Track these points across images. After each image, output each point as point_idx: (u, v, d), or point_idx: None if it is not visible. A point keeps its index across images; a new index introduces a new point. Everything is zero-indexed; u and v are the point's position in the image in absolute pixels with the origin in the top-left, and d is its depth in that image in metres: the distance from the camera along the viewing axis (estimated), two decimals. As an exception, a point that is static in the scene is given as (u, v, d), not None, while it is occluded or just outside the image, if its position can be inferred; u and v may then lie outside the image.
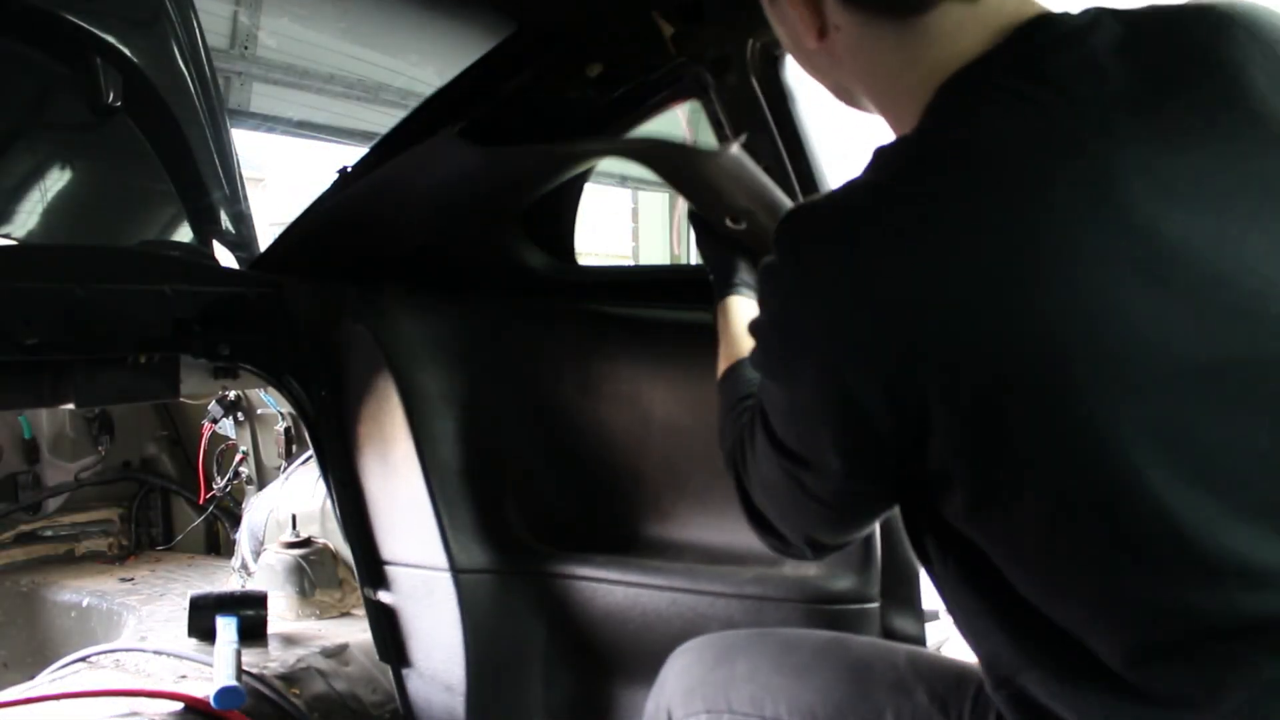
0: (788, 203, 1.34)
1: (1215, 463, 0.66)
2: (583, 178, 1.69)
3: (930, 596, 1.47)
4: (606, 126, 1.59)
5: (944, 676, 0.95)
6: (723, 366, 1.13)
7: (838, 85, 0.88)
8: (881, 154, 0.75)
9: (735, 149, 1.23)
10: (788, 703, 0.99)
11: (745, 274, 1.28)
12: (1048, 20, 0.74)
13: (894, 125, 0.85)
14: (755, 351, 0.82)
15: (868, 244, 0.69)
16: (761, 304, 0.79)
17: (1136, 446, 0.65)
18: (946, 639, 2.43)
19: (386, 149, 1.52)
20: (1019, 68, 0.72)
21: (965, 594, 0.78)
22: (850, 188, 0.73)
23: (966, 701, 0.91)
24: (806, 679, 1.01)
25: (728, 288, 1.25)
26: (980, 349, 0.66)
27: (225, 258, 1.79)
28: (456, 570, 1.46)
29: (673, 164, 1.32)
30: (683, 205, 6.85)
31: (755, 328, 0.81)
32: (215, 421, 2.49)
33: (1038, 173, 0.68)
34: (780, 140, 1.48)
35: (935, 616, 2.47)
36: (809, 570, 1.33)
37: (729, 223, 1.31)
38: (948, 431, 0.68)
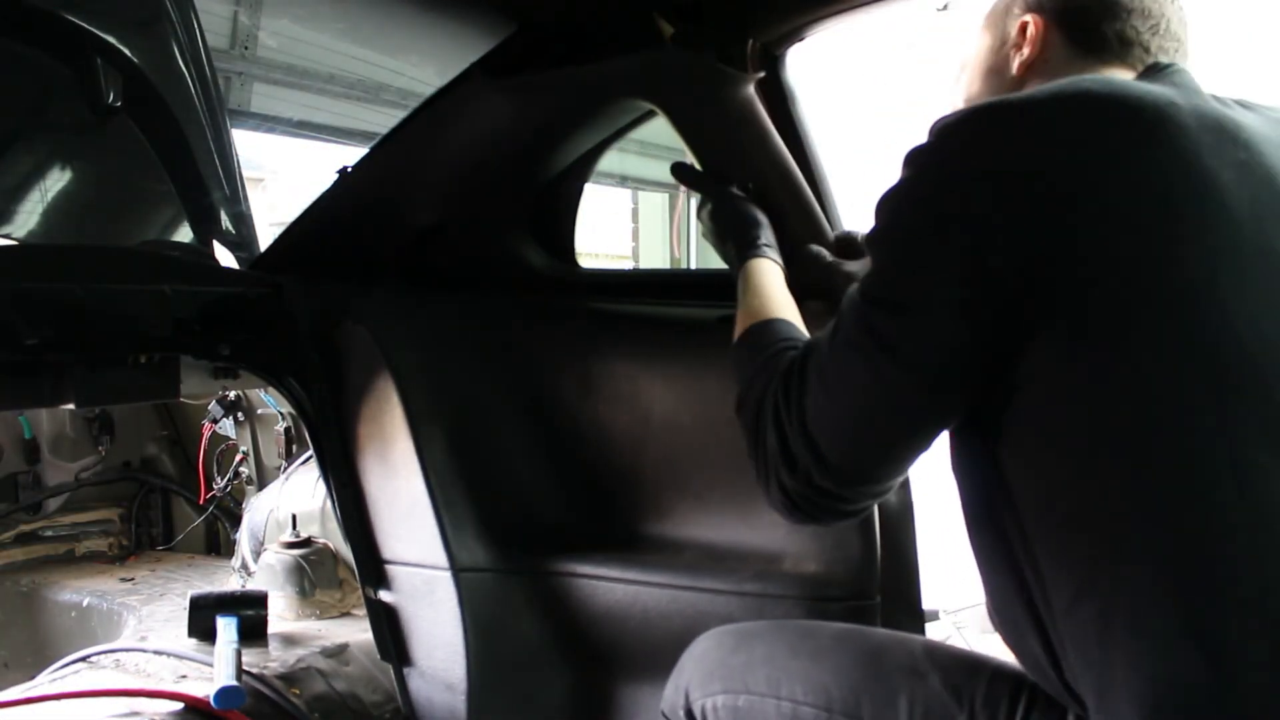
0: (797, 171, 1.35)
1: None
2: (583, 177, 1.70)
3: (930, 596, 1.47)
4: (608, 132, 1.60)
5: (958, 665, 0.97)
6: (744, 325, 1.10)
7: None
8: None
9: (749, 87, 1.24)
10: (803, 684, 1.01)
11: (769, 234, 1.26)
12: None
13: None
14: (883, 218, 0.86)
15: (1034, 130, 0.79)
16: (913, 163, 0.84)
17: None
18: (947, 638, 2.43)
19: (403, 127, 1.52)
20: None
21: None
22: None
23: (980, 689, 0.92)
24: (822, 662, 1.03)
25: (752, 249, 1.23)
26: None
27: (225, 258, 1.79)
28: (457, 569, 1.46)
29: (687, 89, 1.30)
30: (683, 206, 6.85)
31: (891, 194, 0.85)
32: (215, 421, 2.49)
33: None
34: (781, 140, 1.48)
35: (935, 616, 2.48)
36: (809, 567, 1.33)
37: (736, 189, 1.32)
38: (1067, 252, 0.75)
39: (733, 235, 1.26)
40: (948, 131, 0.83)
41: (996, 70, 1.07)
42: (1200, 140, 0.79)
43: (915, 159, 0.84)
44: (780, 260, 1.23)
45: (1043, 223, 0.76)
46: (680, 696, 1.10)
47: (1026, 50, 1.03)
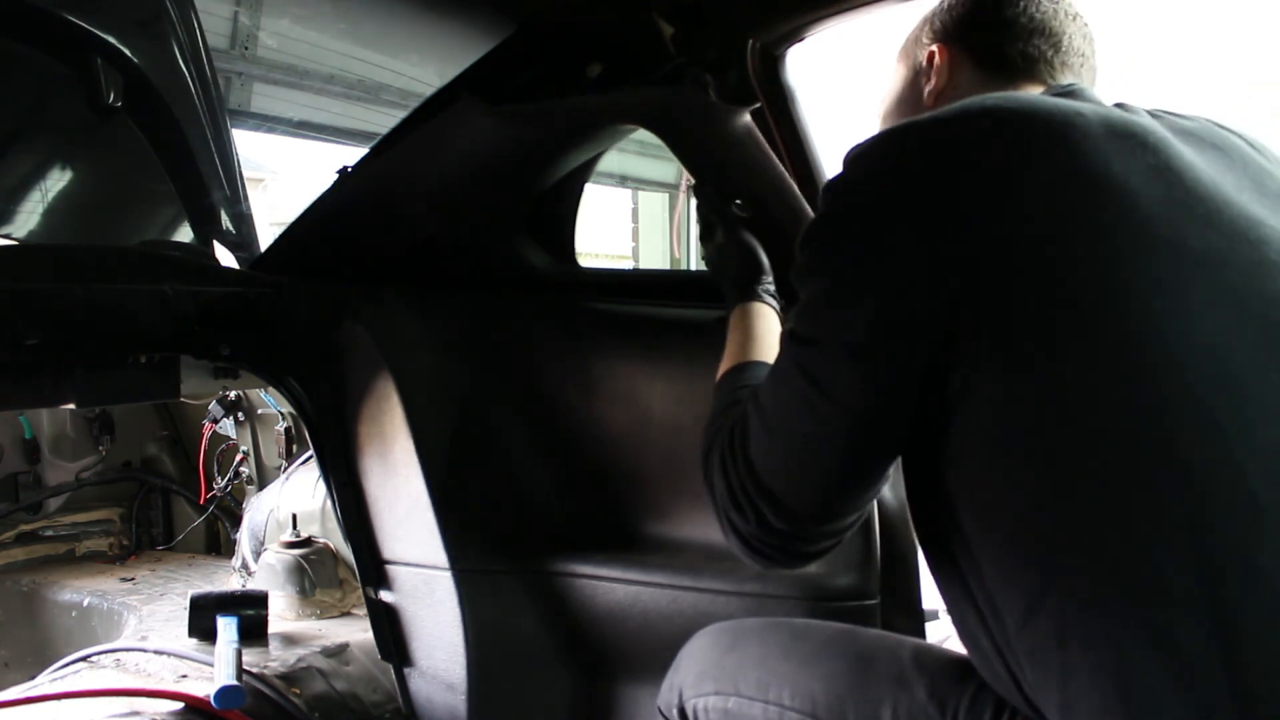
0: (796, 191, 1.35)
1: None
2: (583, 178, 1.70)
3: (930, 595, 1.47)
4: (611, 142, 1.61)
5: (946, 672, 0.96)
6: (723, 368, 1.11)
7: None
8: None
9: (747, 117, 1.25)
10: (791, 689, 1.00)
11: (769, 281, 1.23)
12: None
13: None
14: (804, 255, 0.86)
15: (956, 152, 0.80)
16: (827, 196, 0.85)
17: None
18: (947, 637, 2.43)
19: (394, 139, 1.52)
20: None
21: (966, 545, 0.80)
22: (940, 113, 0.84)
23: (965, 698, 0.91)
24: (812, 668, 1.02)
25: (749, 293, 1.21)
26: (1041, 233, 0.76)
27: (225, 258, 1.79)
28: (457, 569, 1.46)
29: (688, 124, 1.31)
30: (682, 207, 6.84)
31: (809, 230, 0.85)
32: (215, 421, 2.49)
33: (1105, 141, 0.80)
34: (780, 140, 1.48)
35: (935, 616, 2.47)
36: (809, 568, 1.33)
37: (735, 209, 1.32)
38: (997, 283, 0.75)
39: (734, 274, 1.25)
40: (857, 161, 0.83)
41: (910, 101, 1.09)
42: (1109, 146, 0.79)
43: (830, 191, 0.84)
44: (778, 305, 1.21)
45: (959, 241, 0.76)
46: (674, 694, 1.10)
47: (934, 79, 1.06)
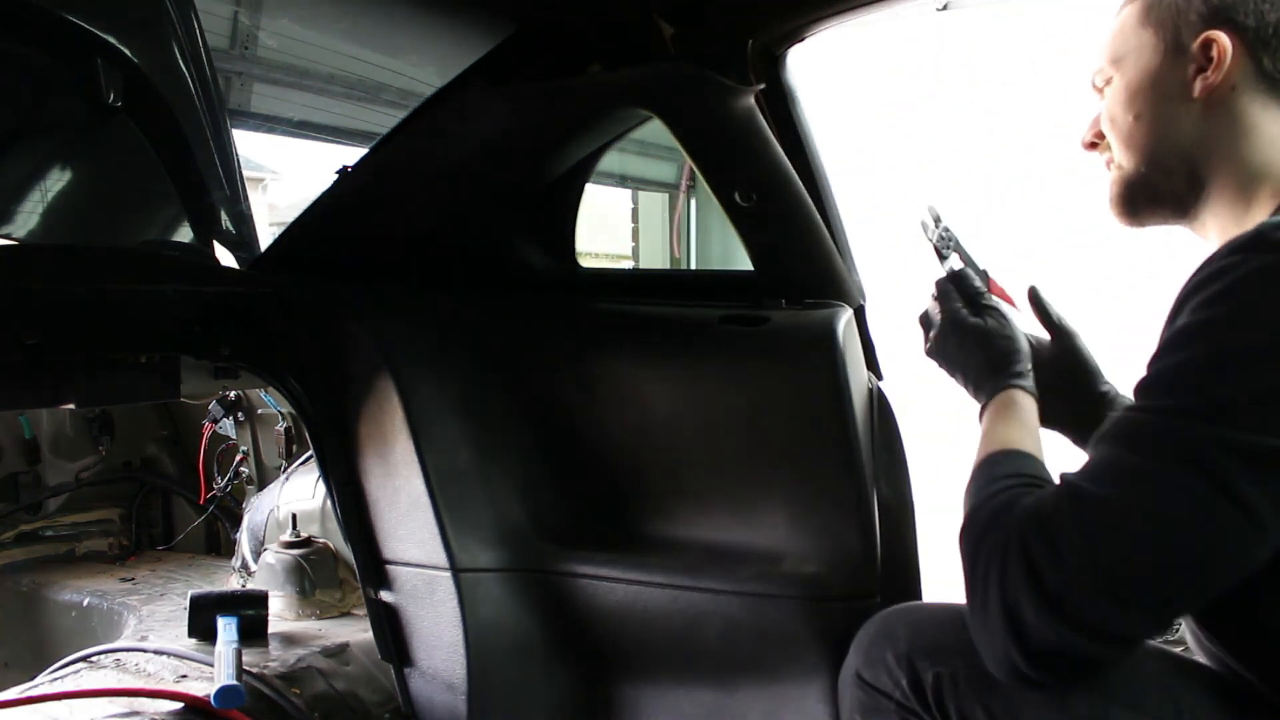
0: (798, 180, 1.34)
1: None
2: (583, 177, 1.70)
3: (930, 596, 1.47)
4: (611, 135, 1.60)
5: (1210, 676, 0.92)
6: (986, 452, 0.98)
7: (1179, 154, 0.96)
8: None
9: (749, 98, 1.23)
10: None
11: (1027, 363, 1.10)
12: None
13: (1225, 209, 0.94)
14: (1196, 357, 0.77)
15: None
16: (1240, 298, 0.75)
17: None
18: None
19: (402, 130, 1.52)
20: None
21: None
22: None
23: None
24: None
25: (1009, 378, 1.08)
26: None
27: (225, 258, 1.79)
28: (457, 569, 1.46)
29: (688, 102, 1.30)
30: (682, 206, 6.85)
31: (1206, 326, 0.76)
32: (215, 421, 2.49)
33: None
34: (781, 140, 1.48)
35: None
36: (809, 567, 1.33)
37: (738, 199, 1.31)
38: None
39: (986, 361, 1.11)
40: None
41: (1169, 84, 0.97)
42: None
43: None
44: (1035, 392, 1.08)
45: None
46: (899, 661, 0.98)
47: (1213, 74, 0.94)
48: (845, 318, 1.36)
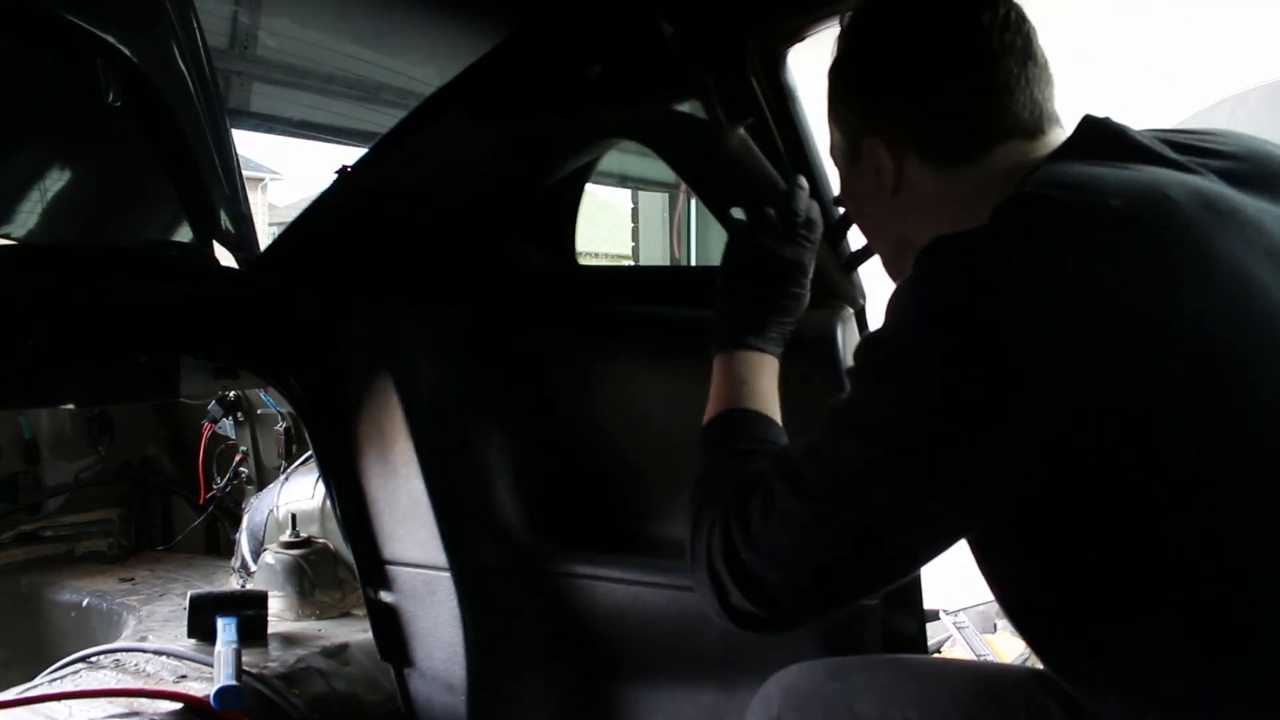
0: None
1: None
2: (583, 178, 1.70)
3: (930, 596, 1.47)
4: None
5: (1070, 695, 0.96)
6: (714, 411, 1.04)
7: (899, 237, 0.98)
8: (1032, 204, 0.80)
9: (741, 132, 1.24)
10: (917, 710, 0.98)
11: (772, 331, 1.11)
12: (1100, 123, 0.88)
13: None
14: (876, 349, 0.81)
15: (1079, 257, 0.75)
16: (920, 293, 0.79)
17: None
18: (948, 637, 2.43)
19: (387, 148, 1.52)
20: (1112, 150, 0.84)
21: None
22: (1036, 221, 0.79)
23: None
24: (934, 690, 1.01)
25: (741, 338, 1.10)
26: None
27: (225, 258, 1.79)
28: (457, 569, 1.46)
29: (682, 143, 1.31)
30: (682, 206, 6.85)
31: (897, 323, 0.80)
32: (215, 421, 2.49)
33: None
34: (781, 141, 1.48)
35: (935, 616, 2.48)
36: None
37: (735, 213, 1.31)
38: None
39: (729, 314, 1.12)
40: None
41: (867, 188, 1.01)
42: (1216, 231, 0.77)
43: (964, 278, 0.77)
44: (779, 352, 1.10)
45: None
46: None
47: (888, 181, 0.97)
48: (845, 319, 1.36)
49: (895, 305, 0.81)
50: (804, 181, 1.19)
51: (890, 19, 0.95)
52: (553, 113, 1.45)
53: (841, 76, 0.98)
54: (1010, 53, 0.89)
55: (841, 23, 1.01)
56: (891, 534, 0.79)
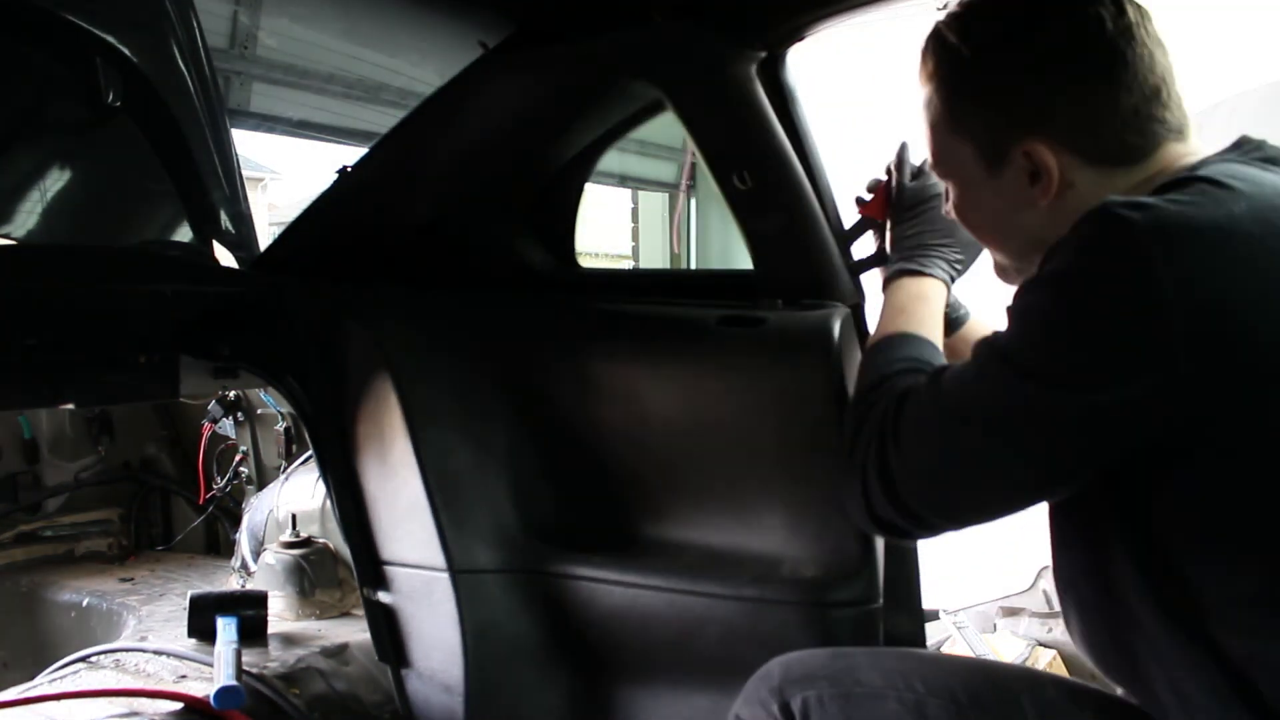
0: (794, 157, 1.34)
1: None
2: (583, 176, 1.70)
3: (930, 596, 1.47)
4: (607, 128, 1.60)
5: (1066, 682, 1.02)
6: (877, 336, 1.12)
7: (1037, 240, 0.95)
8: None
9: (751, 67, 1.23)
10: (923, 681, 1.00)
11: (933, 255, 1.19)
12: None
13: None
14: (1043, 292, 0.84)
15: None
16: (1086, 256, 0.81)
17: None
18: (948, 637, 2.43)
19: (386, 148, 1.52)
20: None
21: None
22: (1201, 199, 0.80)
23: (1091, 702, 0.95)
24: (939, 666, 1.04)
25: (903, 266, 1.18)
26: None
27: (225, 258, 1.79)
28: (455, 570, 1.46)
29: (697, 67, 1.29)
30: (682, 206, 6.85)
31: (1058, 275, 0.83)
32: (215, 421, 2.49)
33: None
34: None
35: (935, 616, 2.48)
36: (808, 572, 1.33)
37: (737, 181, 1.30)
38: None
39: (899, 245, 1.21)
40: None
41: (1007, 196, 1.00)
42: None
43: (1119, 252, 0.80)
44: (946, 278, 1.19)
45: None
46: (772, 695, 1.06)
47: (1046, 184, 0.94)
48: (842, 317, 1.36)
49: (1069, 264, 0.82)
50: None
51: (1037, 16, 0.92)
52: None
53: (981, 78, 0.94)
54: (1161, 48, 0.91)
55: (949, 24, 0.97)
56: (1027, 464, 0.85)
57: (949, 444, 0.88)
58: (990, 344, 0.87)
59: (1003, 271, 1.07)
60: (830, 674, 1.04)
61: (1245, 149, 0.89)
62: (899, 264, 1.19)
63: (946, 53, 0.96)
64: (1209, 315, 0.76)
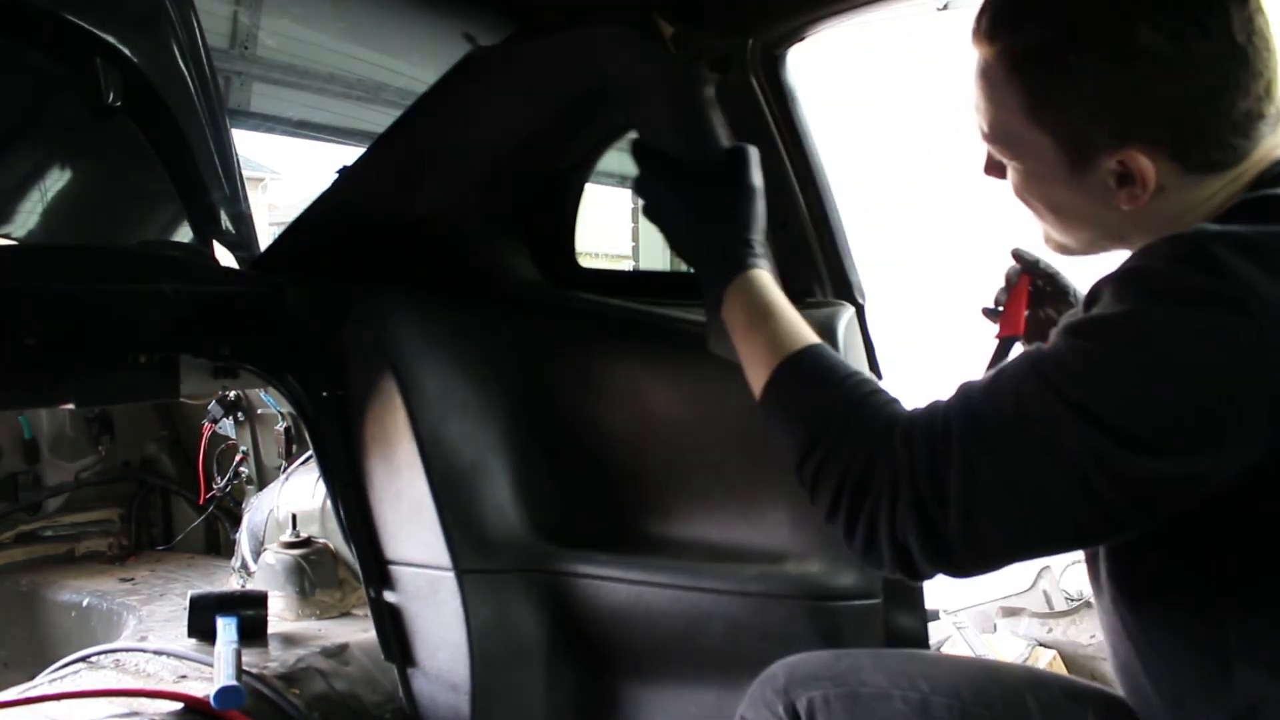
0: (789, 172, 1.32)
1: None
2: (582, 178, 1.69)
3: (931, 596, 1.47)
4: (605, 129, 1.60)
5: (1068, 681, 1.03)
6: (791, 347, 0.91)
7: (1116, 240, 0.89)
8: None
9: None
10: (928, 681, 0.99)
11: (759, 237, 1.00)
12: None
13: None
14: (1115, 319, 0.74)
15: None
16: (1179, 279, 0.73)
17: None
18: (949, 637, 2.43)
19: (383, 148, 1.52)
20: None
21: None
22: None
23: (1094, 702, 0.95)
24: (943, 666, 1.04)
25: (749, 256, 0.97)
26: None
27: (225, 258, 1.79)
28: (460, 570, 1.46)
29: (646, 75, 1.19)
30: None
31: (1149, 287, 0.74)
32: (215, 421, 2.49)
33: None
34: (781, 140, 1.48)
35: (935, 616, 2.48)
36: (812, 567, 1.33)
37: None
38: None
39: (714, 235, 1.00)
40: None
41: (1088, 192, 0.88)
42: None
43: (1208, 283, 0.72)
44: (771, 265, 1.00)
45: None
46: (777, 696, 1.04)
47: (1139, 193, 0.84)
48: (846, 317, 1.36)
49: (1151, 275, 0.75)
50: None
51: (1153, 7, 0.79)
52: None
53: (1083, 79, 0.81)
54: (1271, 34, 0.81)
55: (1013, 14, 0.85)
56: (1109, 509, 0.74)
57: (1024, 500, 0.76)
58: (1040, 368, 0.77)
59: (1059, 247, 0.96)
60: (834, 674, 1.03)
61: None
62: (731, 267, 0.98)
63: (1039, 33, 0.82)
64: None
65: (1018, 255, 1.22)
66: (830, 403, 0.86)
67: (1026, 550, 0.81)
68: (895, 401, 0.86)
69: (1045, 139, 0.85)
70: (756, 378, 0.92)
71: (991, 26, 0.85)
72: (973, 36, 0.87)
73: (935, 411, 0.81)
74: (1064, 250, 0.96)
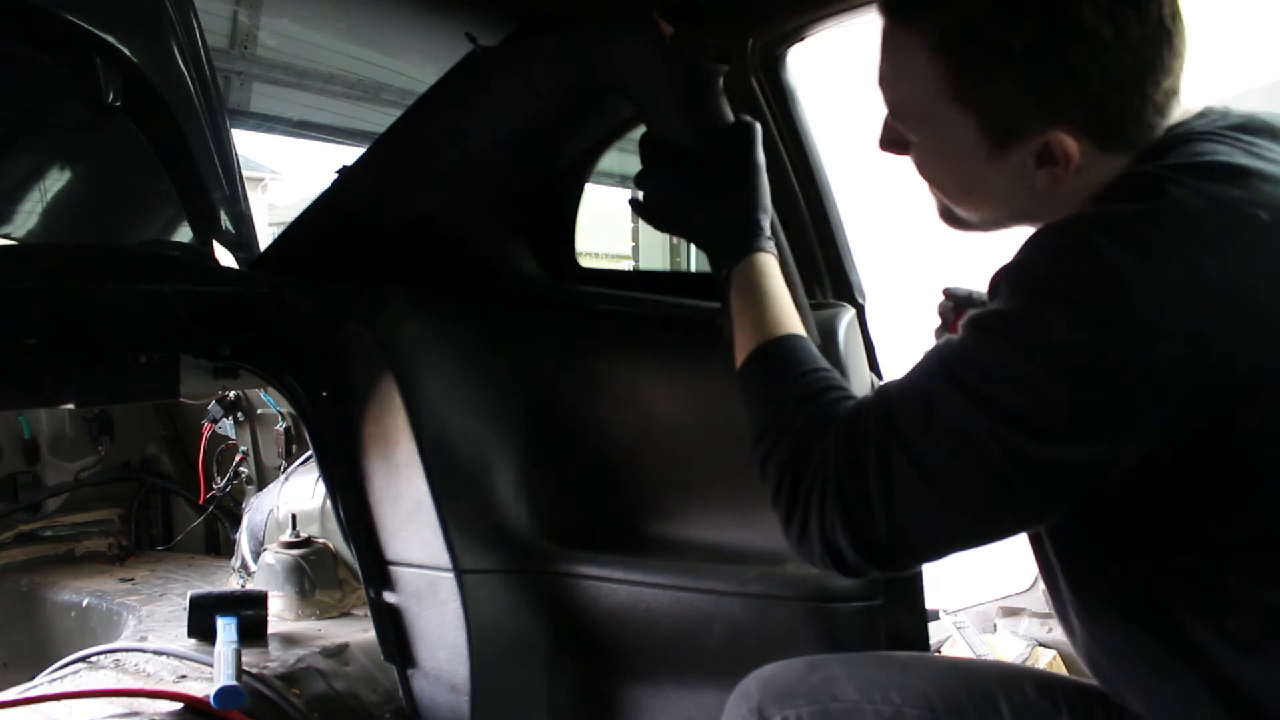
0: (790, 175, 1.32)
1: None
2: (583, 177, 1.69)
3: (931, 596, 1.47)
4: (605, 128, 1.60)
5: (1042, 676, 1.01)
6: (770, 333, 0.95)
7: (1022, 218, 0.90)
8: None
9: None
10: (899, 692, 0.99)
11: (766, 218, 1.03)
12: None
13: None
14: (1007, 310, 0.77)
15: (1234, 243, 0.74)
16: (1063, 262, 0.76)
17: None
18: (948, 637, 2.43)
19: (385, 148, 1.52)
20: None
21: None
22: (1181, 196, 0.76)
23: (1071, 694, 0.96)
24: (914, 674, 1.03)
25: (755, 239, 1.00)
26: None
27: (225, 258, 1.79)
28: (460, 570, 1.46)
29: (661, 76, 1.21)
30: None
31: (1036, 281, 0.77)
32: (215, 421, 2.49)
33: None
34: (781, 140, 1.48)
35: (935, 616, 2.48)
36: (810, 570, 1.33)
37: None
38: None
39: (726, 217, 1.02)
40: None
41: (1004, 172, 0.88)
42: None
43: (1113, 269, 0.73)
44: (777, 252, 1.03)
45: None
46: (751, 714, 1.05)
47: (1060, 172, 0.84)
48: (847, 317, 1.36)
49: (1038, 270, 0.77)
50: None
51: None
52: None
53: (1013, 58, 0.80)
54: (1181, 16, 0.81)
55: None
56: (1021, 496, 0.77)
57: (935, 498, 0.79)
58: (947, 362, 0.80)
59: (958, 223, 0.95)
60: (807, 690, 1.03)
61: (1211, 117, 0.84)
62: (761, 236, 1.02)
63: (966, 11, 0.81)
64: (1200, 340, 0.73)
65: (949, 294, 1.26)
66: (785, 394, 0.90)
67: (950, 542, 0.82)
68: (847, 399, 0.88)
69: (967, 118, 0.84)
70: (737, 362, 0.97)
71: (910, 1, 0.85)
72: (883, 9, 0.86)
73: (859, 409, 0.84)
74: (962, 226, 0.95)
